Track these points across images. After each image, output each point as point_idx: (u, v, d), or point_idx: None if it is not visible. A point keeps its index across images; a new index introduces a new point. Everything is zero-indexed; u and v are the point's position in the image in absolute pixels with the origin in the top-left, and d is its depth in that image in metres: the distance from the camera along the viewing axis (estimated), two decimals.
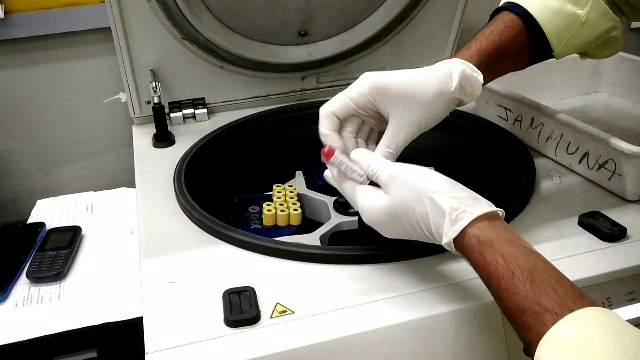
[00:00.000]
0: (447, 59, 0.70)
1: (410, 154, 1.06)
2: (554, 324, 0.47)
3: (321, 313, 0.61)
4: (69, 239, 0.90)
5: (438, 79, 0.66)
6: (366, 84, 0.67)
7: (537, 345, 0.47)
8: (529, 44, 0.74)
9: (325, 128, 0.69)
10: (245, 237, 0.71)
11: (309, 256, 0.69)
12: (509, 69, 0.77)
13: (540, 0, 0.73)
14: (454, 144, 1.02)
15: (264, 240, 0.71)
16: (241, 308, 0.61)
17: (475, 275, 0.64)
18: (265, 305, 0.62)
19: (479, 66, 0.69)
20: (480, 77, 0.68)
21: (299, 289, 0.64)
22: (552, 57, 0.76)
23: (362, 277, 0.66)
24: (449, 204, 0.57)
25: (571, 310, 0.47)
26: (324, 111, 0.69)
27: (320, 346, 0.57)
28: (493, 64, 0.72)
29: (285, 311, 0.61)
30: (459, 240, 0.56)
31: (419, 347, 0.60)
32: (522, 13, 0.73)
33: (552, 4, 0.73)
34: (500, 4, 0.76)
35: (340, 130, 0.70)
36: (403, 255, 0.68)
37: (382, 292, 0.63)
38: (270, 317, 0.60)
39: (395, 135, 0.68)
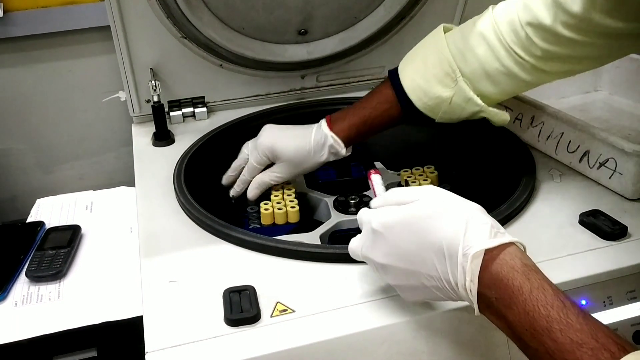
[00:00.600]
0: (326, 124, 0.87)
1: (409, 152, 1.06)
2: None
3: (322, 312, 0.61)
4: (68, 238, 0.90)
5: (314, 152, 0.86)
6: (266, 149, 0.88)
7: None
8: (400, 115, 0.84)
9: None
10: (245, 236, 0.71)
11: (310, 255, 0.68)
12: (381, 131, 0.89)
13: (412, 79, 0.81)
14: (453, 142, 1.02)
15: (264, 239, 0.71)
16: (241, 307, 0.60)
17: None
18: (265, 304, 0.61)
19: (350, 136, 0.86)
20: (343, 150, 0.86)
21: (299, 288, 0.64)
22: None
23: (363, 276, 0.66)
24: (488, 221, 0.53)
25: (627, 352, 0.43)
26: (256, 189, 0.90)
27: (320, 345, 0.57)
28: (363, 133, 0.87)
29: (286, 310, 0.61)
30: (489, 262, 0.50)
31: (419, 346, 0.60)
32: (398, 89, 0.82)
33: (422, 84, 0.80)
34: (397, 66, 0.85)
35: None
36: None
37: (382, 291, 0.63)
38: (271, 316, 0.60)
39: (275, 174, 0.89)
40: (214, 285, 0.64)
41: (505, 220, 0.74)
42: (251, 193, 0.90)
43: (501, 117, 0.81)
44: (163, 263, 0.70)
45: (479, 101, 0.78)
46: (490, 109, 0.79)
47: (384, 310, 0.61)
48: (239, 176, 0.91)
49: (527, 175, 0.82)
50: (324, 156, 0.87)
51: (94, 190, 1.07)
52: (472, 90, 0.77)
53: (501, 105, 0.94)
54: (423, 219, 0.53)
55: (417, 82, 0.80)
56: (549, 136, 0.88)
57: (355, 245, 0.61)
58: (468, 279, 0.50)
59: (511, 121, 0.94)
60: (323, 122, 0.88)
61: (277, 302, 0.62)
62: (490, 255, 0.50)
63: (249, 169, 0.89)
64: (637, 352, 0.44)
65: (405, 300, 0.59)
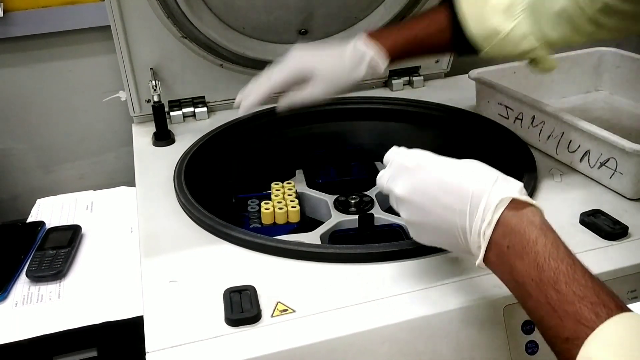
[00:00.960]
0: (365, 37, 0.82)
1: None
2: (608, 318, 0.45)
3: (322, 312, 0.60)
4: (68, 238, 0.90)
5: (349, 68, 0.81)
6: (294, 68, 0.82)
7: (584, 339, 0.45)
8: (447, 43, 0.81)
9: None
10: (246, 236, 0.71)
11: (310, 255, 0.68)
12: (423, 56, 0.88)
13: (473, 5, 0.78)
14: (453, 142, 1.02)
15: (265, 238, 0.71)
16: (242, 307, 0.60)
17: (478, 274, 0.64)
18: (266, 304, 0.61)
19: (394, 50, 0.81)
20: (383, 65, 0.81)
21: (299, 288, 0.64)
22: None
23: (363, 275, 0.66)
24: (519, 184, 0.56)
25: (624, 311, 0.45)
26: (263, 94, 0.83)
27: (321, 345, 0.57)
28: (407, 51, 0.82)
29: (286, 310, 0.61)
30: (510, 213, 0.52)
31: (420, 346, 0.59)
32: (453, 14, 0.79)
33: (481, 12, 0.77)
34: None
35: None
36: (404, 254, 0.68)
37: (383, 291, 0.63)
38: (271, 316, 0.60)
39: (309, 93, 0.82)
40: (215, 285, 0.64)
41: None
42: (281, 106, 0.85)
43: (551, 62, 0.79)
44: (163, 263, 0.70)
45: (535, 40, 0.76)
46: (543, 51, 0.77)
47: (385, 310, 0.61)
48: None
49: (528, 174, 0.82)
50: (361, 72, 0.81)
51: (94, 190, 1.07)
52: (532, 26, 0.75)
53: (502, 105, 0.95)
54: (458, 164, 0.58)
55: (475, 9, 0.78)
56: (550, 136, 0.88)
57: (382, 176, 0.64)
58: (486, 221, 0.52)
59: (511, 121, 0.94)
60: (361, 35, 0.82)
61: (278, 302, 0.62)
62: (514, 207, 0.53)
63: (271, 85, 0.83)
64: (635, 314, 0.45)
65: (414, 239, 0.62)
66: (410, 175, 0.59)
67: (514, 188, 0.54)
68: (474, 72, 0.99)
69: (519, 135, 0.92)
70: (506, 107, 0.94)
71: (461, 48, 0.81)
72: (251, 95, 0.85)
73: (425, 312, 0.60)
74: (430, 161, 0.60)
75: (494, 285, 0.63)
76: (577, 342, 0.45)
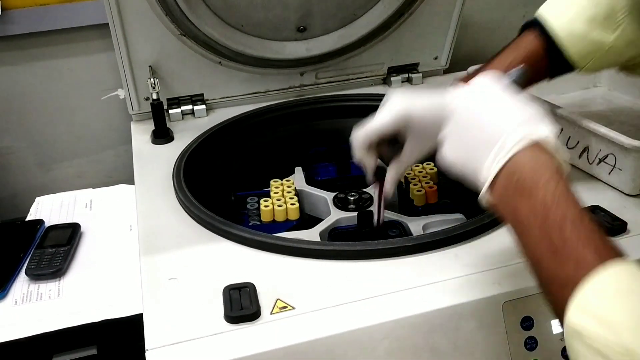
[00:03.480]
0: (463, 80, 0.75)
1: None
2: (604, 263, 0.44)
3: (322, 309, 0.61)
4: (68, 236, 0.90)
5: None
6: (396, 115, 0.69)
7: (579, 282, 0.44)
8: (547, 67, 0.76)
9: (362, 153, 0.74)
10: (245, 233, 0.71)
11: (309, 252, 0.68)
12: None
13: (567, 22, 0.73)
14: None
15: (264, 236, 0.71)
16: (241, 304, 0.60)
17: (477, 270, 0.64)
18: (265, 301, 0.61)
19: None
20: None
21: (299, 285, 0.64)
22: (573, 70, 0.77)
23: (363, 272, 0.66)
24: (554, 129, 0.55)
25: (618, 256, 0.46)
26: (361, 139, 0.73)
27: (321, 342, 0.57)
28: None
29: (286, 307, 0.61)
30: (530, 149, 0.52)
31: (419, 342, 0.60)
32: (546, 36, 0.74)
33: (578, 29, 0.73)
34: (534, 15, 0.77)
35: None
36: (403, 251, 0.68)
37: (382, 288, 0.63)
38: (271, 313, 0.60)
39: (407, 160, 0.72)
40: (214, 283, 0.64)
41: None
42: (389, 190, 0.75)
43: None
44: (163, 261, 0.70)
45: None
46: None
47: (384, 307, 0.61)
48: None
49: None
50: None
51: (93, 188, 1.07)
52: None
53: None
54: (504, 94, 0.57)
55: (570, 26, 0.73)
56: None
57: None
58: (499, 155, 0.52)
59: None
60: (455, 84, 0.73)
61: (277, 299, 0.62)
62: (534, 149, 0.52)
63: (374, 130, 0.70)
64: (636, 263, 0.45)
65: (442, 155, 0.60)
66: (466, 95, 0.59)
67: (539, 131, 0.53)
68: (473, 69, 0.99)
69: None
70: None
71: (557, 70, 0.77)
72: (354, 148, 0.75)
73: (425, 308, 0.60)
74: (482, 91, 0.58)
75: (493, 282, 0.64)
76: (575, 287, 0.44)
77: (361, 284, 0.64)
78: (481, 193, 0.54)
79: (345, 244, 0.69)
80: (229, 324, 0.59)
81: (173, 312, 0.61)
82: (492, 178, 0.52)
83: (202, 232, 0.75)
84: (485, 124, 0.55)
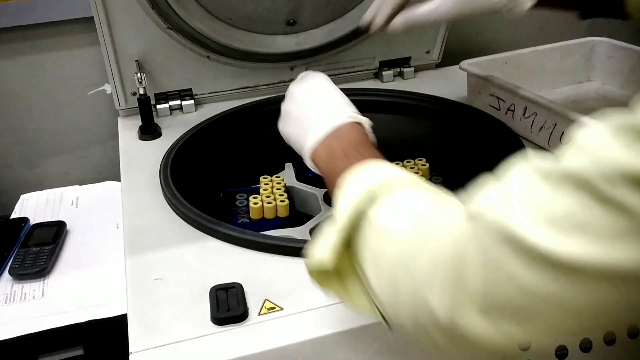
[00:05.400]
0: None
1: (400, 144, 1.05)
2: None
3: (311, 309, 0.59)
4: (53, 235, 0.88)
5: None
6: None
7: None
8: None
9: None
10: (233, 232, 0.70)
11: (298, 251, 0.67)
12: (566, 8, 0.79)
13: None
14: (444, 134, 1.00)
15: (252, 234, 0.69)
16: (229, 305, 0.59)
17: None
18: (253, 302, 0.60)
19: None
20: (529, 2, 0.72)
21: (287, 285, 0.63)
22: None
23: None
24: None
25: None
26: None
27: (310, 343, 0.56)
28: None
29: (274, 308, 0.60)
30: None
31: (410, 343, 0.58)
32: None
33: None
34: None
35: None
36: None
37: None
38: (259, 314, 0.59)
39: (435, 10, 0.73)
40: (201, 283, 0.63)
41: None
42: (396, 24, 0.76)
43: None
44: (149, 260, 0.68)
45: None
46: None
47: None
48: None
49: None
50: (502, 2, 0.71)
51: (79, 185, 1.05)
52: None
53: (493, 96, 0.93)
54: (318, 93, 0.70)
55: None
56: (542, 127, 0.86)
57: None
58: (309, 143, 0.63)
59: (503, 112, 0.92)
60: None
61: (265, 300, 0.61)
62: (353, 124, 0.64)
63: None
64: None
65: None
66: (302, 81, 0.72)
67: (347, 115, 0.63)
68: (465, 63, 0.98)
69: (510, 127, 0.91)
70: (498, 98, 0.92)
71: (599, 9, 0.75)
72: (372, 15, 0.77)
73: None
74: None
75: None
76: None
77: None
78: (306, 160, 0.63)
79: None
80: (216, 325, 0.58)
81: (158, 313, 0.60)
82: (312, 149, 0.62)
83: (189, 231, 0.73)
84: (309, 110, 0.67)
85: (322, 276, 0.50)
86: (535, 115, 0.87)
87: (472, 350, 0.42)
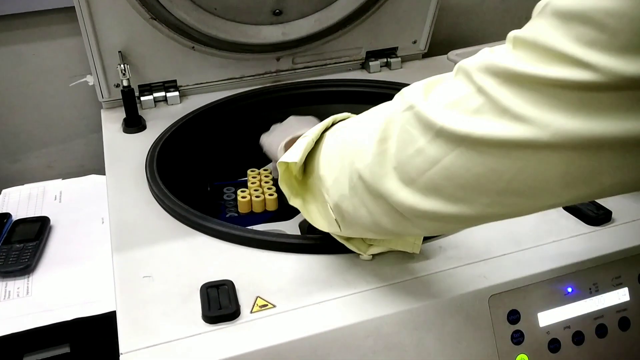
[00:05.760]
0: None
1: None
2: None
3: (303, 306, 0.58)
4: (36, 231, 0.86)
5: None
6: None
7: None
8: None
9: None
10: (222, 227, 0.69)
11: (290, 246, 0.66)
12: None
13: None
14: None
15: (242, 230, 0.68)
16: (220, 303, 0.58)
17: (462, 263, 0.63)
18: (245, 300, 0.59)
19: None
20: None
21: (279, 282, 0.62)
22: None
23: (345, 267, 0.64)
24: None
25: None
26: None
27: (303, 341, 0.55)
28: None
29: (266, 305, 0.59)
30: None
31: (405, 340, 0.58)
32: None
33: None
34: None
35: None
36: None
37: (366, 283, 0.61)
38: (251, 312, 0.58)
39: None
40: (191, 280, 0.62)
41: None
42: None
43: None
44: (136, 257, 0.67)
45: None
46: None
47: (368, 303, 0.59)
48: None
49: None
50: None
51: (63, 178, 1.03)
52: None
53: None
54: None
55: None
56: None
57: None
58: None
59: None
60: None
61: (257, 297, 0.60)
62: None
63: None
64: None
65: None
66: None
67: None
68: (453, 54, 0.97)
69: None
70: None
71: None
72: None
73: (410, 304, 0.59)
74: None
75: (479, 275, 0.62)
76: None
77: (343, 280, 0.62)
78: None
79: (327, 238, 0.67)
80: (207, 324, 0.57)
81: (148, 312, 0.59)
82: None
83: (177, 226, 0.72)
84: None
85: (290, 191, 0.63)
86: None
87: (407, 225, 0.51)
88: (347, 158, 0.54)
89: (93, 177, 1.02)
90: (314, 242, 0.66)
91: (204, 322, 0.57)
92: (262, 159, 0.97)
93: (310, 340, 0.56)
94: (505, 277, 0.62)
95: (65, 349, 0.76)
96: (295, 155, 0.60)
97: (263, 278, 0.62)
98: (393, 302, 0.59)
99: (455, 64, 0.92)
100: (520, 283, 0.62)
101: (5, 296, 0.76)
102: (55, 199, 0.97)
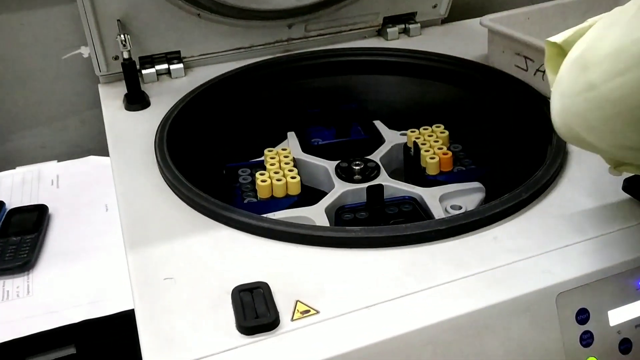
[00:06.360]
0: None
1: (411, 110, 0.97)
2: None
3: (351, 312, 0.51)
4: (34, 221, 0.78)
5: None
6: None
7: None
8: None
9: None
10: (249, 219, 0.61)
11: (330, 240, 0.59)
12: None
13: None
14: (462, 98, 0.92)
15: (272, 222, 0.61)
16: (256, 310, 0.51)
17: (522, 257, 0.56)
18: (283, 305, 0.52)
19: None
20: None
21: (320, 282, 0.54)
22: None
23: (392, 263, 0.56)
24: None
25: None
26: None
27: (355, 354, 0.48)
28: None
29: (309, 311, 0.51)
30: None
31: (466, 347, 0.51)
32: None
33: None
34: None
35: None
36: (435, 235, 0.59)
37: (417, 282, 0.54)
38: (292, 320, 0.51)
39: None
40: (219, 282, 0.55)
41: (543, 189, 0.65)
42: None
43: None
44: (154, 255, 0.59)
45: None
46: None
47: (424, 307, 0.52)
48: None
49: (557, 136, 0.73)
50: None
51: (58, 160, 0.95)
52: None
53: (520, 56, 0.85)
54: None
55: None
56: None
57: None
58: None
59: (531, 73, 0.84)
60: None
61: (297, 302, 0.52)
62: None
63: None
64: None
65: None
66: None
67: None
68: (486, 19, 0.89)
69: (539, 91, 0.83)
70: (525, 57, 0.84)
71: None
72: None
73: (471, 307, 0.52)
74: None
75: (543, 270, 0.55)
76: None
77: (393, 278, 0.55)
78: None
79: (371, 230, 0.59)
80: (243, 335, 0.49)
81: (174, 322, 0.51)
82: None
83: (196, 217, 0.64)
84: None
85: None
86: None
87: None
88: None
89: (92, 159, 0.93)
90: (356, 234, 0.59)
91: (239, 334, 0.49)
92: (277, 137, 0.90)
93: (362, 353, 0.49)
94: (572, 271, 0.55)
95: (71, 350, 0.70)
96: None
97: (301, 278, 0.55)
98: (452, 305, 0.52)
99: (489, 30, 0.83)
100: (590, 278, 0.55)
101: (3, 297, 0.69)
102: (52, 183, 0.89)
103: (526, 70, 0.84)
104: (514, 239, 0.59)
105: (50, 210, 0.82)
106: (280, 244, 0.59)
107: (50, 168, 0.92)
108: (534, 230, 0.60)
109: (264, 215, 0.68)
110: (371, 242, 0.58)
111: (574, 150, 0.71)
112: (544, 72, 0.82)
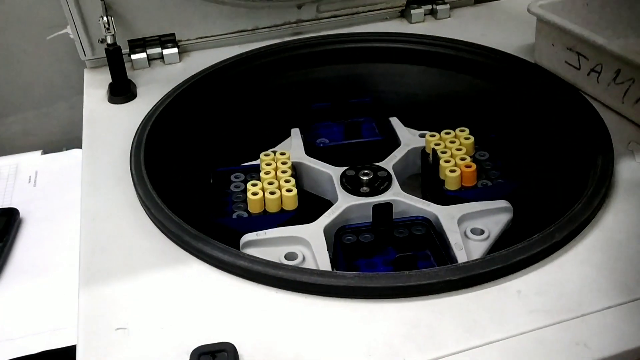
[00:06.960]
0: None
1: (434, 105, 0.86)
2: None
3: None
4: (1, 227, 0.71)
5: None
6: None
7: None
8: None
9: None
10: (223, 255, 0.51)
11: (316, 288, 0.49)
12: None
13: None
14: (496, 99, 0.81)
15: (250, 261, 0.51)
16: None
17: (551, 321, 0.46)
18: None
19: None
20: None
21: (300, 346, 0.45)
22: None
23: (389, 320, 0.47)
24: None
25: None
26: None
27: None
28: None
29: None
30: None
31: None
32: None
33: None
34: None
35: None
36: (445, 287, 0.49)
37: (418, 351, 0.44)
38: None
39: None
40: (179, 339, 0.46)
41: (581, 227, 0.54)
42: None
43: None
44: (110, 297, 0.50)
45: None
46: None
47: None
48: None
49: (602, 154, 0.62)
50: None
51: (44, 149, 0.87)
52: None
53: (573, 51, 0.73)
54: None
55: None
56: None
57: None
58: None
59: (584, 73, 0.72)
60: None
61: None
62: None
63: None
64: None
65: None
66: None
67: None
68: (535, 5, 0.76)
69: (591, 94, 0.71)
70: (578, 54, 0.71)
71: None
72: None
73: None
74: None
75: (577, 342, 0.45)
76: None
77: (388, 344, 0.45)
78: None
79: (365, 277, 0.49)
80: None
81: None
82: None
83: (167, 246, 0.55)
84: None
85: None
86: (633, 82, 0.66)
87: None
88: None
89: (75, 152, 0.86)
90: (348, 283, 0.49)
91: None
92: (280, 134, 0.80)
93: None
94: (614, 345, 0.44)
95: None
96: None
97: (276, 339, 0.46)
98: None
99: (538, 17, 0.71)
100: (637, 355, 0.45)
101: None
102: (30, 181, 0.81)
103: (578, 69, 0.72)
104: (543, 294, 0.49)
105: (22, 214, 0.74)
106: (258, 288, 0.50)
107: (31, 161, 0.85)
108: (567, 284, 0.49)
109: (254, 233, 0.60)
110: (366, 293, 0.48)
111: (623, 176, 0.60)
112: (599, 72, 0.70)
